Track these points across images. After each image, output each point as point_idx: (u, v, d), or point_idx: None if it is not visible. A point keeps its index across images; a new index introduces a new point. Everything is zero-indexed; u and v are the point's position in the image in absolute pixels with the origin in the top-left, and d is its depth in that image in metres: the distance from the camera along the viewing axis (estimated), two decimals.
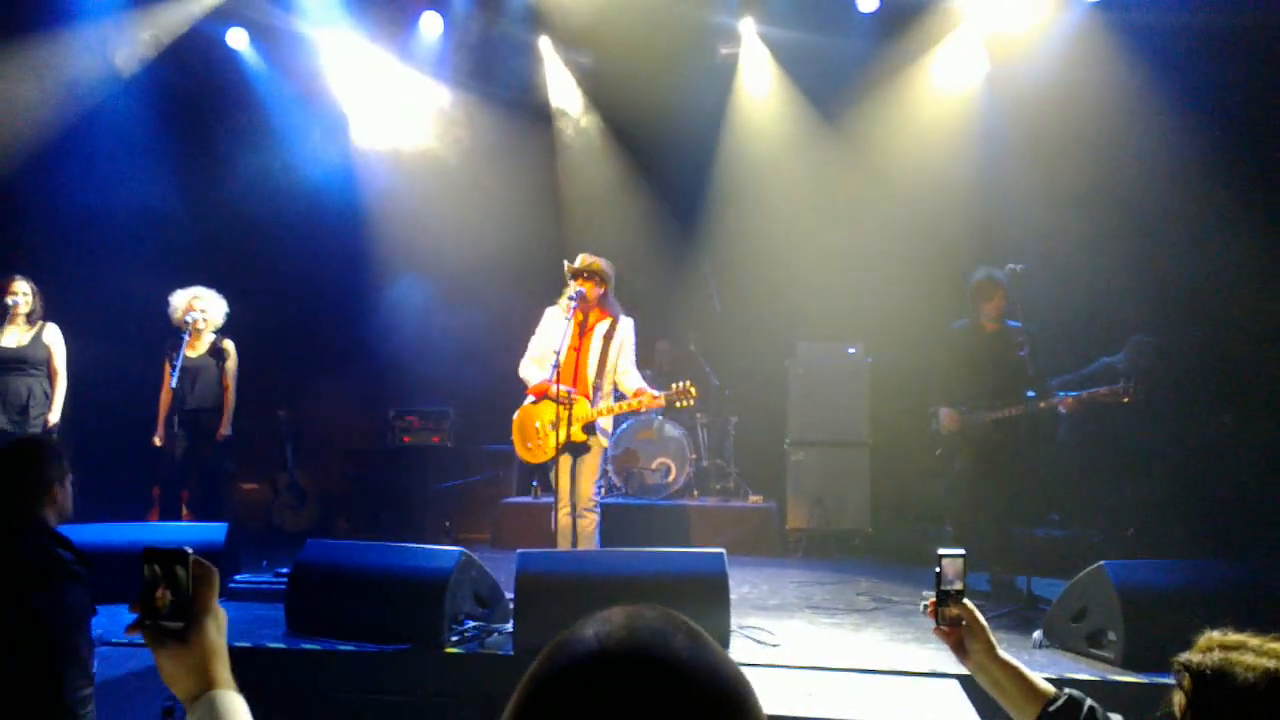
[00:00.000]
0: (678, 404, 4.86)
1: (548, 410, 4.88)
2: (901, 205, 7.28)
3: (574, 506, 4.97)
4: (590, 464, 4.98)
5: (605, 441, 5.06)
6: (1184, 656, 1.30)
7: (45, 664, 2.35)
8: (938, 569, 1.73)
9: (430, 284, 7.72)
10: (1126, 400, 5.08)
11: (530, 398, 5.06)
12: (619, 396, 5.10)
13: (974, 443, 5.37)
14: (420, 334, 7.59)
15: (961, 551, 1.76)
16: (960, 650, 1.72)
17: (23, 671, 2.30)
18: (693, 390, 4.86)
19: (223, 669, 1.16)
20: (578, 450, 4.93)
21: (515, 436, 5.09)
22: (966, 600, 1.73)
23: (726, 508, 7.12)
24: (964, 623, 1.71)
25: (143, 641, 1.17)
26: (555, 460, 4.90)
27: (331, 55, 7.85)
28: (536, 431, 4.94)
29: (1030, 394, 5.19)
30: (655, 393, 4.93)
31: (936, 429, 5.56)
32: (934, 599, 1.73)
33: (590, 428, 4.90)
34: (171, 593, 1.16)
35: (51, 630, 2.37)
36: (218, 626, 1.18)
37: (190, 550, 1.18)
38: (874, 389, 6.98)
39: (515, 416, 5.08)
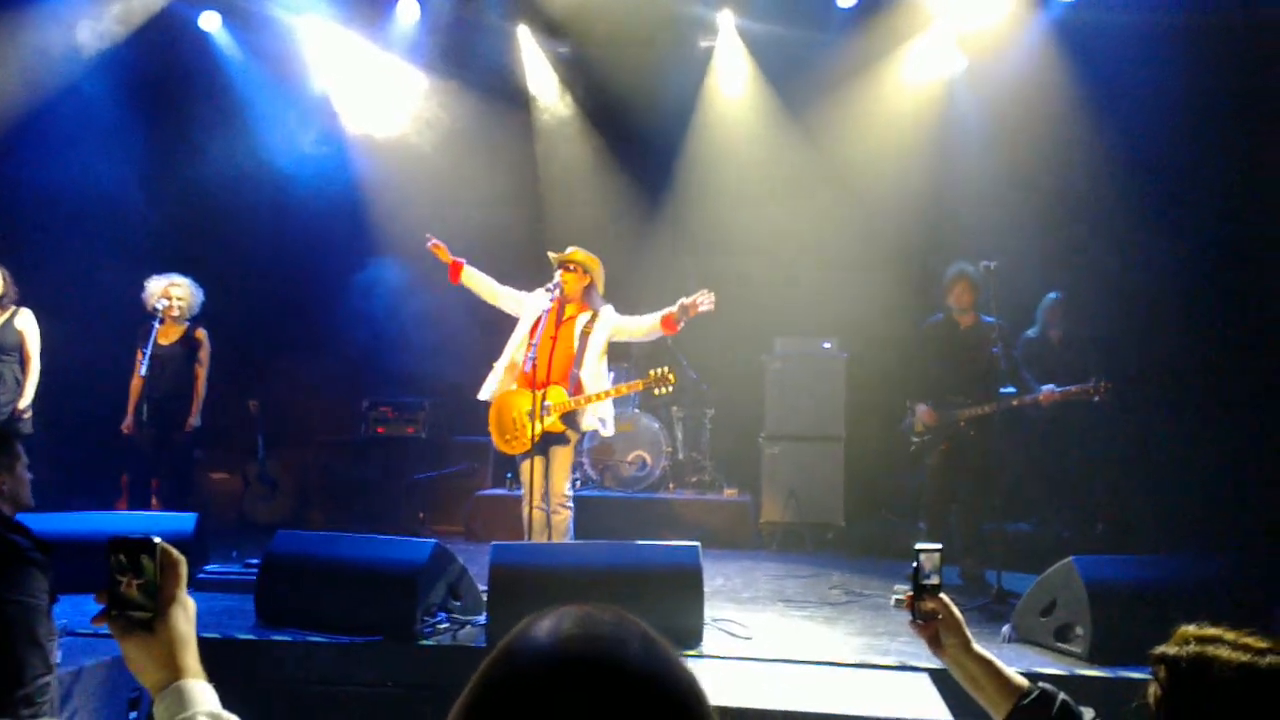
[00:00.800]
0: (656, 391, 4.89)
1: (524, 400, 4.84)
2: (877, 201, 7.32)
3: (548, 502, 4.93)
4: (564, 459, 4.96)
5: (585, 428, 5.01)
6: (1160, 649, 1.31)
7: (4, 651, 2.31)
8: (915, 563, 1.74)
9: (404, 267, 7.64)
10: (1097, 398, 5.18)
11: (497, 387, 4.99)
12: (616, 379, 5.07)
13: (948, 438, 5.44)
14: (395, 323, 7.53)
15: (939, 546, 1.77)
16: (935, 644, 1.73)
17: None
18: (671, 377, 4.87)
19: (191, 658, 1.15)
20: (554, 441, 4.90)
21: (492, 428, 5.05)
22: (943, 594, 1.74)
23: (702, 501, 7.14)
24: (940, 617, 1.72)
25: (109, 632, 1.15)
26: (532, 452, 4.83)
27: (306, 39, 7.75)
28: (514, 422, 4.90)
29: (1005, 390, 5.26)
30: (630, 382, 5.02)
31: (909, 424, 5.62)
32: (910, 593, 1.74)
33: (569, 418, 4.86)
34: (138, 582, 1.14)
35: (7, 618, 2.33)
36: (185, 616, 1.17)
37: (158, 539, 1.16)
38: (849, 384, 7.01)
39: (491, 406, 5.03)
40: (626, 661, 0.76)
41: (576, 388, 4.92)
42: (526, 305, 5.09)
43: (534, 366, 4.81)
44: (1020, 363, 5.46)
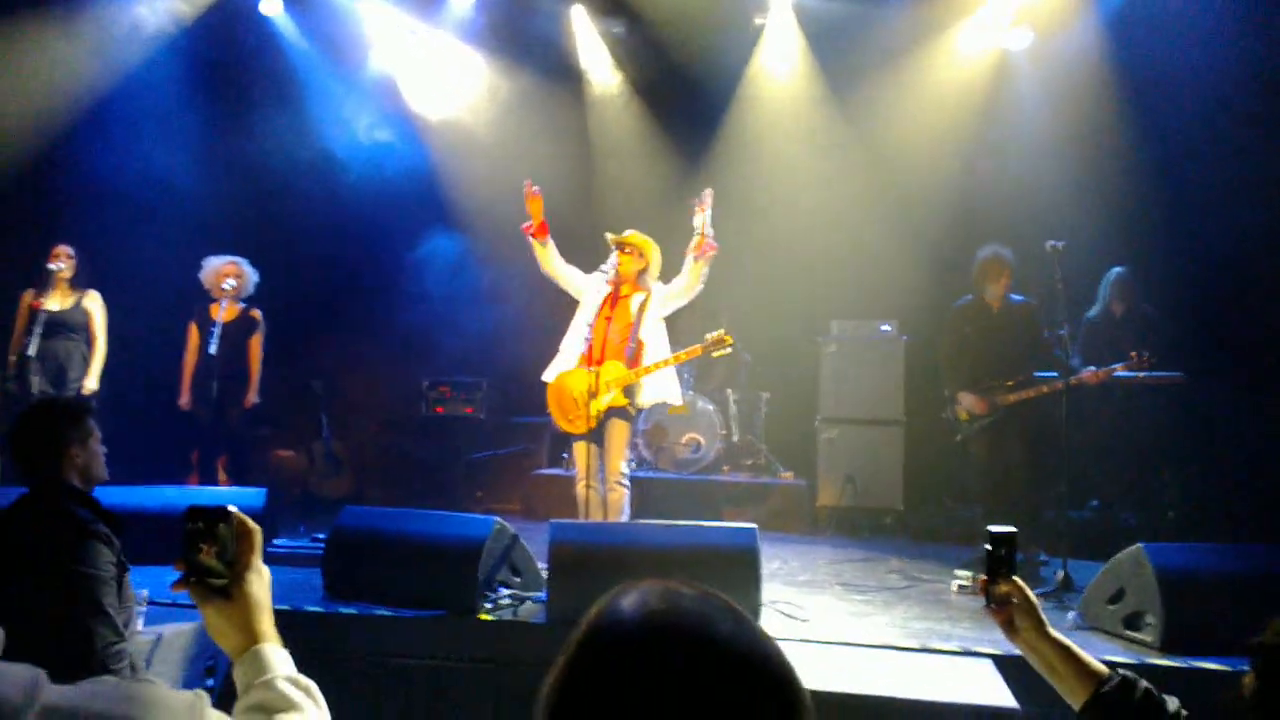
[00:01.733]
0: (714, 354, 4.89)
1: (582, 379, 4.89)
2: (936, 181, 7.17)
3: (603, 482, 4.95)
4: (620, 438, 4.94)
5: (642, 403, 5.00)
6: (1258, 639, 1.27)
7: (72, 620, 2.40)
8: (988, 546, 1.70)
9: (460, 244, 7.71)
10: (1141, 373, 5.01)
11: (561, 367, 5.03)
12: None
13: (994, 425, 5.31)
14: (453, 304, 7.62)
15: (1012, 529, 1.73)
16: (1010, 629, 1.69)
17: (52, 627, 2.36)
18: (728, 339, 4.84)
19: (267, 624, 1.18)
20: (613, 414, 4.90)
21: (552, 408, 5.09)
22: (1016, 578, 1.70)
23: (757, 484, 7.11)
24: (1014, 601, 1.67)
25: (188, 598, 1.18)
26: (593, 432, 4.87)
27: (363, 22, 7.84)
28: (575, 402, 4.93)
29: (1047, 374, 5.13)
30: (690, 348, 4.93)
31: (952, 416, 5.49)
32: (984, 577, 1.70)
33: (630, 391, 4.88)
34: (215, 550, 1.18)
35: (74, 588, 2.42)
36: (261, 583, 1.20)
37: (233, 508, 1.20)
38: (909, 367, 6.90)
39: (549, 388, 5.07)
40: (717, 635, 0.76)
41: (635, 358, 4.89)
42: (586, 289, 5.12)
43: (590, 345, 4.87)
44: (1058, 342, 5.22)
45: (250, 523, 1.21)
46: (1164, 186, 6.61)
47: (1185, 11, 6.33)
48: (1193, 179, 6.43)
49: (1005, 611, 1.67)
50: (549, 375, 5.09)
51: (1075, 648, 1.64)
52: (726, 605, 0.80)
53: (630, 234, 5.08)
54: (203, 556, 1.17)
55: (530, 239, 5.10)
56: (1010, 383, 5.25)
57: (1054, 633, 1.66)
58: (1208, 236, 6.37)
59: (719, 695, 0.73)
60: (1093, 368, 5.15)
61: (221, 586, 1.17)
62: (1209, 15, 6.21)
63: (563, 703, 0.76)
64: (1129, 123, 6.67)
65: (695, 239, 4.88)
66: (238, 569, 1.18)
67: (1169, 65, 6.43)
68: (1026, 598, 1.68)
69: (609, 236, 5.12)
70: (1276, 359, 6.26)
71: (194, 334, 6.24)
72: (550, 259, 5.13)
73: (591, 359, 4.87)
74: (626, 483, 4.96)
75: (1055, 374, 5.10)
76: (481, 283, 7.50)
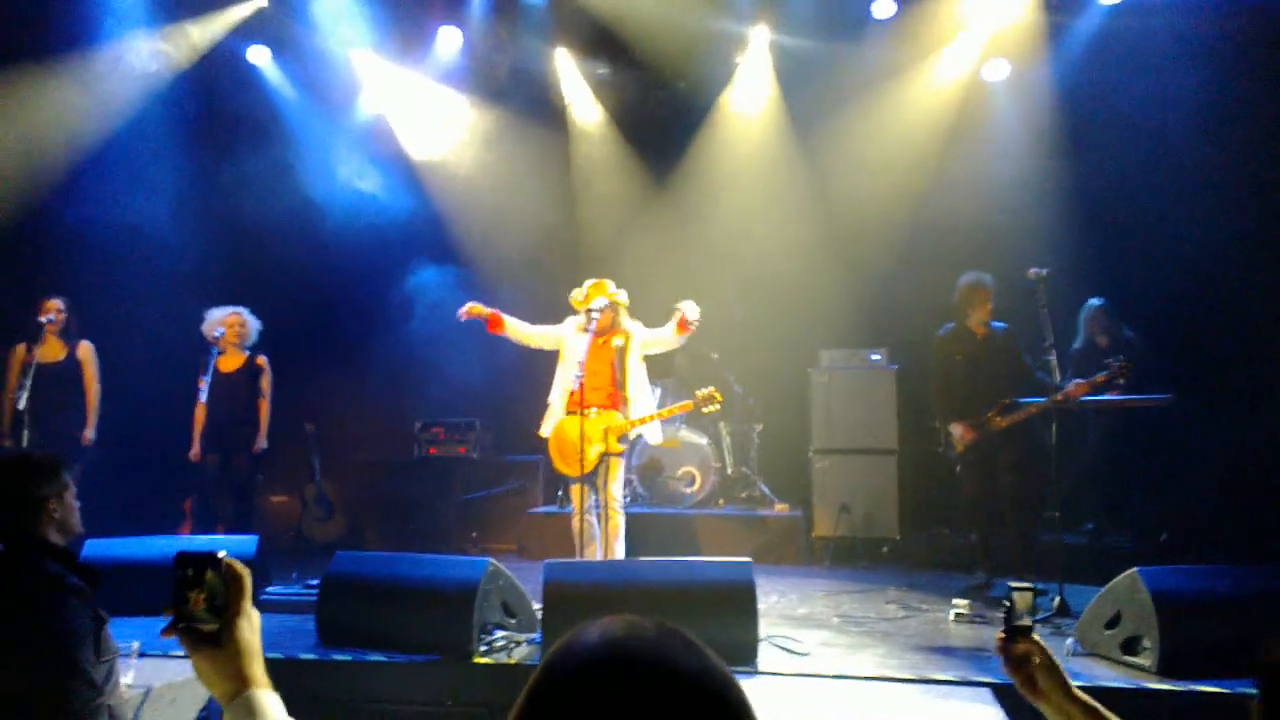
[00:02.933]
0: (704, 409, 5.18)
1: (577, 425, 5.06)
2: (923, 210, 7.26)
3: (603, 508, 5.26)
4: (616, 467, 5.28)
5: (632, 435, 5.37)
6: (1259, 659, 1.22)
7: (46, 679, 2.36)
8: (1006, 603, 1.66)
9: (450, 279, 7.76)
10: (1122, 380, 5.05)
11: (558, 414, 5.29)
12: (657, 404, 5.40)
13: (985, 454, 5.39)
14: (445, 344, 7.63)
15: (1031, 585, 1.68)
16: (1031, 688, 1.59)
17: (24, 688, 2.32)
18: (718, 396, 5.18)
19: (258, 669, 1.18)
20: (608, 456, 5.24)
21: (553, 452, 5.35)
22: (1037, 636, 1.63)
23: (752, 516, 7.09)
24: (1035, 660, 1.60)
25: (179, 647, 1.18)
26: (592, 474, 5.15)
27: (352, 68, 7.96)
28: (574, 447, 5.07)
29: (1030, 400, 5.21)
30: (680, 403, 5.31)
31: (945, 448, 5.59)
32: (1001, 634, 1.65)
33: (624, 438, 5.22)
34: (205, 596, 1.17)
35: (48, 646, 2.38)
36: (251, 628, 1.20)
37: (223, 554, 1.20)
38: (900, 395, 6.93)
39: (550, 434, 5.33)
40: (675, 660, 0.80)
41: (624, 406, 5.26)
42: (565, 338, 5.37)
43: (579, 389, 5.07)
44: (1045, 367, 5.27)
45: (240, 567, 1.21)
46: (1144, 213, 6.71)
47: (1158, 42, 6.47)
48: (1170, 206, 6.53)
49: (1025, 671, 1.60)
50: (545, 430, 5.37)
51: (1103, 709, 1.57)
52: (685, 638, 0.84)
53: (596, 296, 5.26)
54: (192, 603, 1.17)
55: (494, 333, 5.49)
56: (997, 409, 5.33)
57: (1080, 694, 1.58)
58: (1188, 260, 6.45)
59: (674, 717, 0.76)
60: (1078, 380, 5.18)
61: (211, 633, 1.17)
62: (1182, 45, 6.35)
63: None
64: (1105, 151, 6.79)
65: (679, 318, 5.16)
66: (228, 615, 1.18)
67: (1141, 96, 6.56)
68: (1048, 657, 1.61)
69: (575, 304, 5.36)
70: (1261, 380, 6.32)
71: (201, 385, 6.24)
72: (518, 332, 5.49)
73: (582, 403, 5.07)
74: (622, 511, 5.29)
75: (1040, 398, 5.15)
76: (471, 325, 7.53)
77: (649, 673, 0.78)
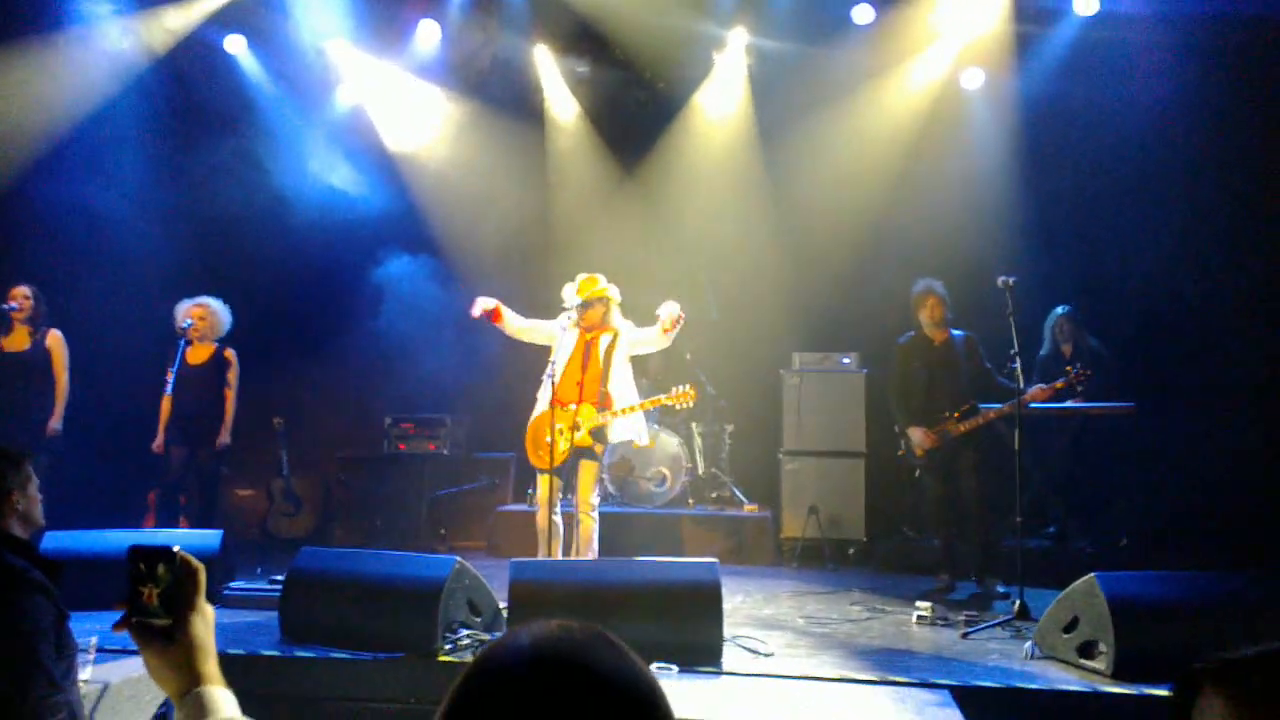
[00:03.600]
0: (677, 406, 5.19)
1: (558, 418, 5.07)
2: (896, 216, 7.33)
3: (574, 508, 5.21)
4: (590, 471, 5.22)
5: (614, 440, 5.35)
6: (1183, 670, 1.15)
7: (5, 676, 2.32)
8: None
9: (422, 275, 7.72)
10: (1080, 387, 5.19)
11: (541, 407, 5.23)
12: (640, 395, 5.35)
13: (946, 459, 5.48)
14: (415, 340, 7.59)
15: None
16: None
17: None
18: (692, 392, 5.17)
19: (211, 665, 1.17)
20: (583, 455, 5.18)
21: (528, 444, 5.31)
22: None
23: (721, 517, 7.13)
24: None
25: (131, 641, 1.17)
26: (565, 465, 5.12)
27: (329, 59, 7.89)
28: (546, 440, 5.07)
29: (991, 405, 5.31)
30: (652, 399, 5.27)
31: (906, 452, 5.66)
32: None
33: (599, 433, 5.15)
34: (158, 591, 1.16)
35: (8, 642, 2.35)
36: (205, 623, 1.19)
37: (177, 548, 1.18)
38: (870, 399, 7.00)
39: (529, 424, 5.29)
40: (596, 661, 0.82)
41: (605, 402, 5.18)
42: (556, 334, 5.32)
43: (561, 386, 5.09)
44: (1010, 375, 5.34)
45: (194, 562, 1.19)
46: (1111, 222, 6.83)
47: (1130, 53, 6.58)
48: (1137, 214, 6.65)
49: None
50: (532, 418, 5.31)
51: None
52: (608, 638, 0.86)
53: (587, 290, 5.24)
54: (145, 597, 1.15)
55: (494, 325, 5.42)
56: (957, 414, 5.42)
57: None
58: (1154, 269, 6.57)
59: (590, 711, 0.79)
60: (1041, 385, 5.29)
61: (164, 628, 1.15)
62: (1153, 56, 6.45)
63: None
64: (1075, 160, 6.90)
65: (670, 319, 5.15)
66: (181, 610, 1.16)
67: (1111, 106, 6.67)
68: None
69: (566, 300, 5.27)
70: (1224, 387, 6.45)
71: (168, 376, 6.16)
72: (512, 325, 5.42)
73: (563, 399, 5.09)
74: (595, 513, 5.22)
75: (999, 404, 5.25)
76: (444, 319, 7.49)
77: (573, 674, 0.80)
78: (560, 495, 5.30)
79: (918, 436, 5.53)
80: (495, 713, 0.79)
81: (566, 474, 5.22)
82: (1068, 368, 5.27)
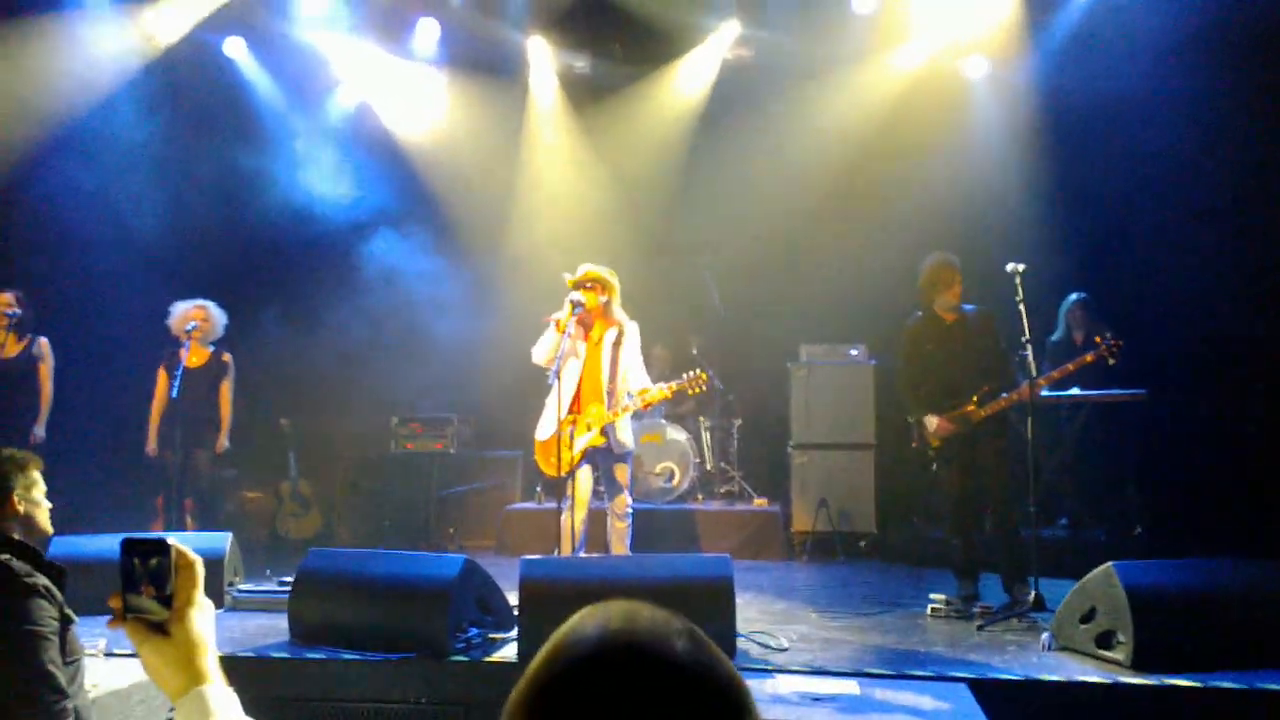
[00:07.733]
0: (690, 391, 5.08)
1: (567, 425, 4.96)
2: (902, 205, 7.27)
3: (610, 512, 5.12)
4: (622, 472, 5.11)
5: (629, 444, 5.13)
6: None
7: (10, 682, 2.30)
8: None
9: (430, 272, 7.68)
10: (1111, 361, 4.81)
11: (549, 424, 5.08)
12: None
13: (963, 448, 5.00)
14: (423, 340, 7.56)
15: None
16: None
17: None
18: (704, 376, 5.05)
19: (210, 663, 1.11)
20: (606, 458, 5.06)
21: (538, 457, 5.21)
22: None
23: (731, 511, 7.09)
24: None
25: (126, 636, 1.11)
26: (574, 470, 5.01)
27: (330, 56, 7.86)
28: (553, 449, 4.99)
29: (1009, 385, 4.94)
30: (666, 385, 5.06)
31: (921, 445, 5.17)
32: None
33: (608, 430, 5.02)
34: (154, 585, 1.10)
35: (13, 648, 2.32)
36: (204, 619, 1.13)
37: (171, 540, 1.13)
38: (879, 390, 6.94)
39: (538, 442, 5.16)
40: (672, 653, 0.78)
41: (614, 397, 5.06)
42: (563, 344, 5.06)
43: (575, 391, 5.00)
44: (1021, 363, 4.90)
45: (191, 555, 1.14)
46: (1122, 209, 6.76)
47: (1137, 38, 6.50)
48: (1148, 203, 6.58)
49: None
50: (542, 434, 5.15)
51: None
52: (684, 625, 0.82)
53: (586, 271, 5.12)
54: (139, 592, 1.10)
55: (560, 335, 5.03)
56: (976, 397, 4.93)
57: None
58: (1166, 256, 6.50)
59: (671, 711, 0.75)
60: (1066, 364, 4.96)
61: (160, 624, 1.10)
62: (1161, 40, 6.36)
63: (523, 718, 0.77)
64: (1085, 146, 6.83)
65: (671, 384, 5.04)
66: (177, 605, 1.11)
67: (1120, 91, 6.60)
68: None
69: (567, 278, 5.13)
70: (1237, 375, 6.38)
71: (162, 379, 6.13)
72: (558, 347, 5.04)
73: (576, 404, 5.00)
74: (629, 516, 5.12)
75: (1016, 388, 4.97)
76: (451, 318, 7.46)
77: (648, 661, 0.76)
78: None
79: (933, 424, 5.00)
80: (574, 703, 0.75)
81: (603, 475, 5.11)
82: (1097, 338, 4.90)
